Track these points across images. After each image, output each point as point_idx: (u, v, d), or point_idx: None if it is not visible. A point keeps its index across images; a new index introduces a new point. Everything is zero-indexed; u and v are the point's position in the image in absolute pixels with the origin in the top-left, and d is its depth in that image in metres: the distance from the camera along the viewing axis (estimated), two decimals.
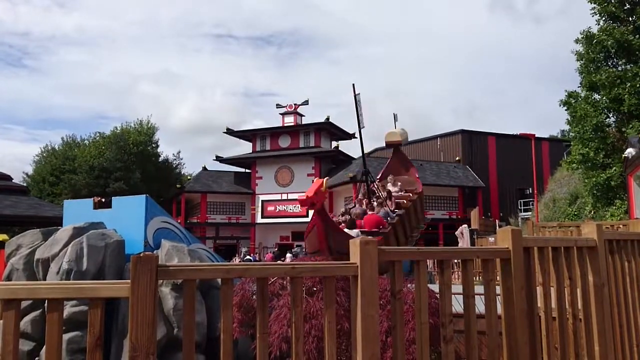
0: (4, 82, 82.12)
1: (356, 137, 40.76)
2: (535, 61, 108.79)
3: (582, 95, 19.00)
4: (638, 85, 17.32)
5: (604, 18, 19.05)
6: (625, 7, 18.73)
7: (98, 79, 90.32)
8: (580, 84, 19.21)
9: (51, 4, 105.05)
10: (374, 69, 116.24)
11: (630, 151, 13.91)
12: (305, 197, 10.57)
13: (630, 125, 17.49)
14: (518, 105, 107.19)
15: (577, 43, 19.19)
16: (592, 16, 19.31)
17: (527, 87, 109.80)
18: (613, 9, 18.57)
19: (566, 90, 19.39)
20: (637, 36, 18.24)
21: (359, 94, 14.43)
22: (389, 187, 12.57)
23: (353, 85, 14.25)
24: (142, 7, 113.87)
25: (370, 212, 11.10)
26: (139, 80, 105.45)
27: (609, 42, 18.22)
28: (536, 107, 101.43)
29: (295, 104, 36.83)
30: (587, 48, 18.86)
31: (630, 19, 18.86)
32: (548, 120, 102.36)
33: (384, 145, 15.06)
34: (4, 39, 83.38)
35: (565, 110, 19.24)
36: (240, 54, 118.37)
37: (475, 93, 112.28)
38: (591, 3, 19.26)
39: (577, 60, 19.25)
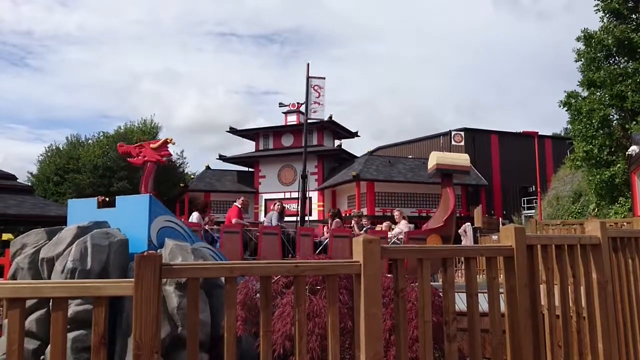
0: (8, 82, 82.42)
1: (359, 136, 40.78)
2: (539, 58, 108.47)
3: (584, 94, 18.95)
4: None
5: (607, 15, 18.98)
6: (629, 4, 18.65)
7: (100, 77, 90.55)
8: (580, 82, 19.16)
9: (53, 3, 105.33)
10: (376, 67, 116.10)
11: (634, 148, 13.85)
12: (121, 143, 10.43)
13: (634, 122, 17.43)
14: (521, 102, 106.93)
15: (579, 41, 19.14)
16: (596, 13, 19.25)
17: (530, 85, 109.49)
18: (617, 5, 18.50)
19: (565, 91, 19.37)
20: (639, 33, 18.17)
21: (323, 78, 12.73)
22: (397, 222, 11.32)
23: (307, 64, 12.74)
24: (144, 5, 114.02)
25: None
26: (141, 79, 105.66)
27: (610, 41, 18.15)
28: (540, 105, 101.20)
29: (298, 103, 36.80)
30: (587, 48, 18.82)
31: (634, 16, 18.78)
32: (551, 118, 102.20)
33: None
34: (7, 39, 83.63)
35: (566, 110, 19.19)
36: (243, 52, 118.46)
37: (477, 91, 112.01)
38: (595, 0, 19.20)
39: (578, 60, 19.19)
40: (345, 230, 10.87)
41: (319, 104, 12.47)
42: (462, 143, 12.97)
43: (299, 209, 12.74)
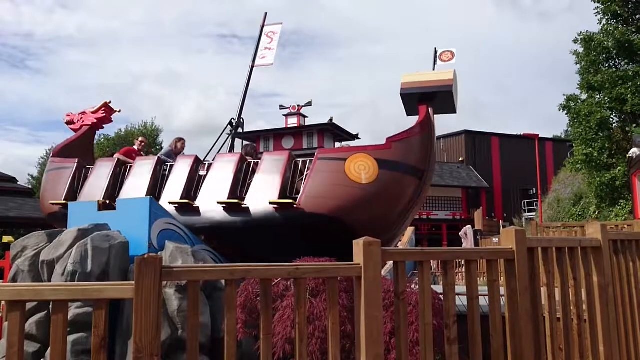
0: (8, 84, 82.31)
1: (360, 138, 40.69)
2: (540, 59, 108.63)
3: (583, 97, 18.99)
4: None
5: (607, 17, 19.01)
6: (629, 7, 18.68)
7: (100, 79, 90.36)
8: (579, 85, 19.17)
9: (54, 5, 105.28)
10: (377, 67, 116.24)
11: (634, 151, 13.86)
12: (69, 113, 9.80)
13: (635, 125, 17.44)
14: (522, 104, 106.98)
15: (576, 43, 19.15)
16: (596, 15, 19.29)
17: (531, 86, 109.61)
18: (617, 8, 18.52)
19: (564, 95, 19.40)
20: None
21: (280, 23, 11.16)
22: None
23: (265, 13, 11.34)
24: (144, 7, 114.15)
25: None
26: (141, 80, 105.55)
27: (610, 43, 18.17)
28: (541, 106, 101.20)
29: (298, 105, 36.75)
30: (586, 50, 18.84)
31: (633, 18, 18.81)
32: (553, 120, 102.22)
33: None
34: (8, 41, 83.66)
35: (566, 114, 19.23)
36: (244, 54, 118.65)
37: (479, 92, 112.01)
38: (595, 2, 19.22)
39: (577, 63, 19.20)
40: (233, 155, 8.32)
41: (269, 49, 10.72)
42: (454, 62, 8.27)
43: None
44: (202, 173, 7.98)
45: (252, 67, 10.81)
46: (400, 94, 7.53)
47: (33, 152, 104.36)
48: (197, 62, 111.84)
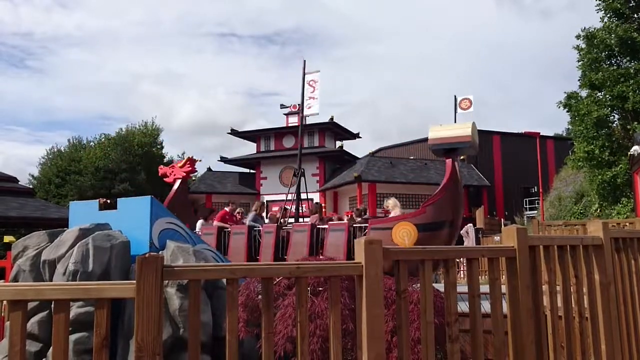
0: (7, 84, 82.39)
1: (360, 137, 40.78)
2: (541, 57, 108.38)
3: (583, 95, 18.92)
4: None
5: (608, 15, 18.96)
6: (630, 4, 18.63)
7: (100, 79, 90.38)
8: (580, 83, 19.10)
9: (53, 4, 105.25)
10: (377, 67, 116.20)
11: (636, 148, 13.81)
12: (161, 166, 11.37)
13: (636, 122, 17.40)
14: (523, 102, 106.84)
15: (579, 39, 19.10)
16: (597, 12, 19.24)
17: (532, 84, 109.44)
18: (618, 5, 18.47)
19: (565, 92, 19.33)
20: None
21: (318, 71, 12.44)
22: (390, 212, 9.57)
23: (304, 61, 12.42)
24: (144, 6, 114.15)
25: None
26: (141, 80, 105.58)
27: (612, 40, 18.12)
28: (542, 105, 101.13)
29: (298, 105, 36.74)
30: (588, 48, 18.78)
31: (635, 15, 18.76)
32: (554, 118, 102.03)
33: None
34: (7, 40, 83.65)
35: (567, 112, 19.18)
36: (244, 53, 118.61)
37: (480, 90, 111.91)
38: None
39: (580, 60, 19.10)
40: (304, 225, 10.23)
41: (313, 98, 12.11)
42: (472, 110, 12.36)
43: (295, 209, 12.43)
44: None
45: (302, 118, 12.53)
46: (430, 149, 9.01)
47: (34, 152, 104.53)
48: (197, 61, 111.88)
